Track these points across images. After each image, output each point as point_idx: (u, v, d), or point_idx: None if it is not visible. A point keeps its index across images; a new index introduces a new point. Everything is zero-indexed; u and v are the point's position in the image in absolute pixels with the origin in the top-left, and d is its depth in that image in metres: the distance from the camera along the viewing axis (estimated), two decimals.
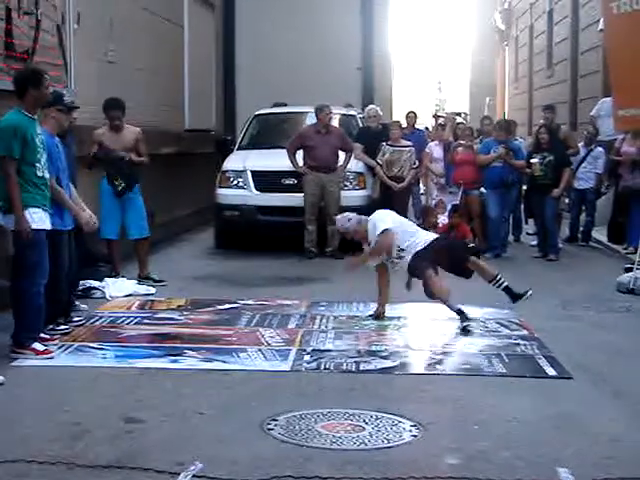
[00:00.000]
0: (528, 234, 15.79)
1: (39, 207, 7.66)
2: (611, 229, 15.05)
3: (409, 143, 14.55)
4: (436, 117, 18.35)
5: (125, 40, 14.06)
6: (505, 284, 9.30)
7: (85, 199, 10.03)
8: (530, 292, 9.33)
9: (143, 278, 11.21)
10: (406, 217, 14.24)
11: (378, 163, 14.14)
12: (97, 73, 12.87)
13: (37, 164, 7.66)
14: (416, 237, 9.28)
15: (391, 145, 14.20)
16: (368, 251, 9.41)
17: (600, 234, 15.53)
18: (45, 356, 7.58)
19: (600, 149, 15.45)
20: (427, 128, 21.51)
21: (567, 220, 16.01)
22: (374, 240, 9.25)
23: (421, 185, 17.03)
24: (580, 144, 15.70)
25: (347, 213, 9.80)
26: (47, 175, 7.83)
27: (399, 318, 9.51)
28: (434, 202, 14.98)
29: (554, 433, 5.89)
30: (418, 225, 14.48)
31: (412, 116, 17.23)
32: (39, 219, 7.65)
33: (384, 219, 9.35)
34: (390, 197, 14.05)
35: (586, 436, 5.81)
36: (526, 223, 16.04)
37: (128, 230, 11.33)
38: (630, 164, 14.28)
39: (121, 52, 13.81)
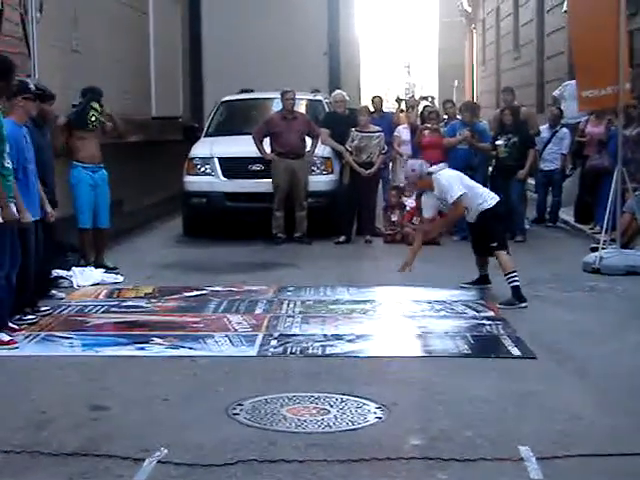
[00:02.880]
0: None
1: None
2: (578, 209, 15.15)
3: (378, 128, 14.51)
4: (399, 101, 18.29)
5: (90, 28, 14.00)
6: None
7: (60, 187, 10.11)
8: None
9: (98, 266, 11.19)
10: (375, 203, 14.46)
11: (347, 149, 14.12)
12: (61, 62, 12.82)
13: (4, 154, 7.63)
14: (482, 197, 9.76)
15: (360, 131, 14.17)
16: (444, 222, 10.37)
17: (567, 215, 15.64)
18: (10, 346, 7.56)
19: (565, 130, 15.57)
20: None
21: (534, 201, 16.12)
22: (445, 200, 9.66)
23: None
24: (545, 125, 15.80)
25: (414, 162, 10.60)
26: (11, 165, 7.80)
27: (366, 302, 9.55)
28: (402, 185, 15.02)
29: (516, 412, 5.96)
30: (384, 208, 14.68)
31: (378, 100, 17.20)
32: None
33: (456, 182, 9.69)
34: (360, 183, 14.06)
35: (547, 414, 5.89)
36: None
37: (98, 219, 11.34)
38: (596, 144, 14.39)
39: (86, 40, 13.76)
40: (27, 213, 8.11)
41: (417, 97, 22.83)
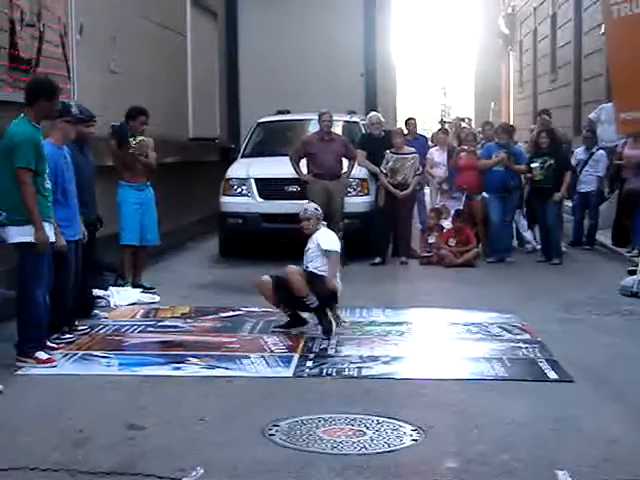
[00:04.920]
0: (527, 242, 15.66)
1: (45, 220, 7.69)
2: (615, 232, 15.06)
3: (413, 150, 14.51)
4: (442, 122, 18.33)
5: (128, 50, 14.12)
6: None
7: (103, 206, 10.21)
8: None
9: (135, 285, 11.26)
10: (411, 224, 14.46)
11: (382, 171, 14.12)
12: (100, 84, 12.92)
13: (45, 175, 7.73)
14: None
15: (394, 153, 14.19)
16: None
17: (605, 237, 15.55)
18: (48, 365, 7.63)
19: (601, 152, 15.51)
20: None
21: (571, 224, 16.04)
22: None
23: (426, 191, 17.04)
24: (581, 147, 15.77)
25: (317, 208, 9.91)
26: (50, 186, 7.89)
27: (402, 324, 9.54)
28: (438, 207, 15.03)
29: (553, 436, 5.92)
30: (422, 229, 14.72)
31: (412, 123, 17.20)
32: None
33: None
34: (395, 204, 14.06)
35: (585, 438, 5.85)
36: (529, 228, 16.01)
37: (145, 236, 11.44)
38: (634, 167, 14.32)
39: (124, 62, 13.87)
40: (62, 237, 8.20)
41: (453, 118, 22.86)
